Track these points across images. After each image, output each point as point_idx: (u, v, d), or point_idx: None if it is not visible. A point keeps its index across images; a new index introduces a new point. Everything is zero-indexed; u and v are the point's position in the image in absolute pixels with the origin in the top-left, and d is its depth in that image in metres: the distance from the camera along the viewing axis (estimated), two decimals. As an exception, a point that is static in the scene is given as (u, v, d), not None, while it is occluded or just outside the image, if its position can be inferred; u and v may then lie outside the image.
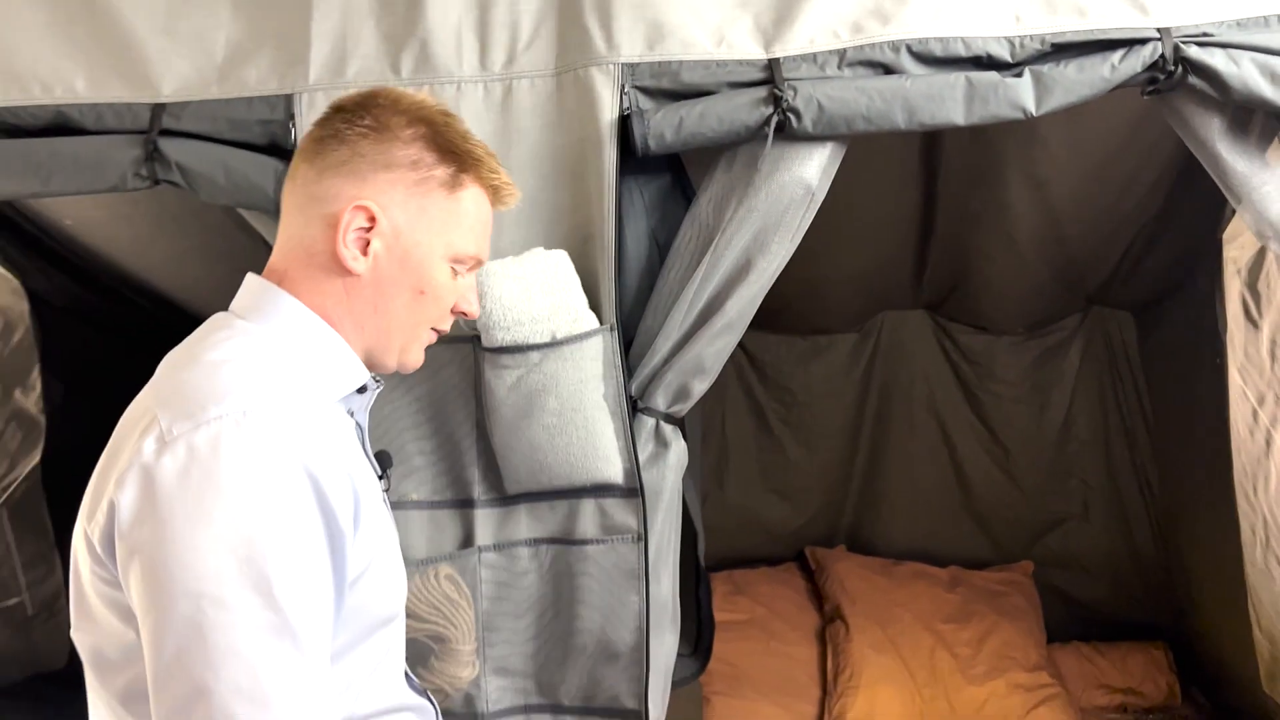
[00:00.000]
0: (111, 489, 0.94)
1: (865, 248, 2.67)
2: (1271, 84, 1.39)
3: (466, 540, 1.55)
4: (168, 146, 1.54)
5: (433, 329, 1.16)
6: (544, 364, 1.49)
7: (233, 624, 0.89)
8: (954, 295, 3.06)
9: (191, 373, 0.99)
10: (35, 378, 2.64)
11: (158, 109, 1.57)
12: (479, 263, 1.17)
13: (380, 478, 1.16)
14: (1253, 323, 2.27)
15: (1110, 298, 3.08)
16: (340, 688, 1.04)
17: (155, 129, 1.55)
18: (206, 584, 0.90)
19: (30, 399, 2.64)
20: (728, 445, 3.33)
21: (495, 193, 1.15)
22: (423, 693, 1.21)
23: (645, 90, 1.50)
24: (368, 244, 1.08)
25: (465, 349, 1.56)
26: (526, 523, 1.55)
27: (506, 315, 1.47)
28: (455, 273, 1.14)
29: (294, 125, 1.54)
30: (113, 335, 2.93)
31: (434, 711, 1.22)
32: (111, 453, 1.00)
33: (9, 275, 2.54)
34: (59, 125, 1.61)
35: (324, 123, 1.13)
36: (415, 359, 1.16)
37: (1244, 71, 1.40)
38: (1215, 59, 1.41)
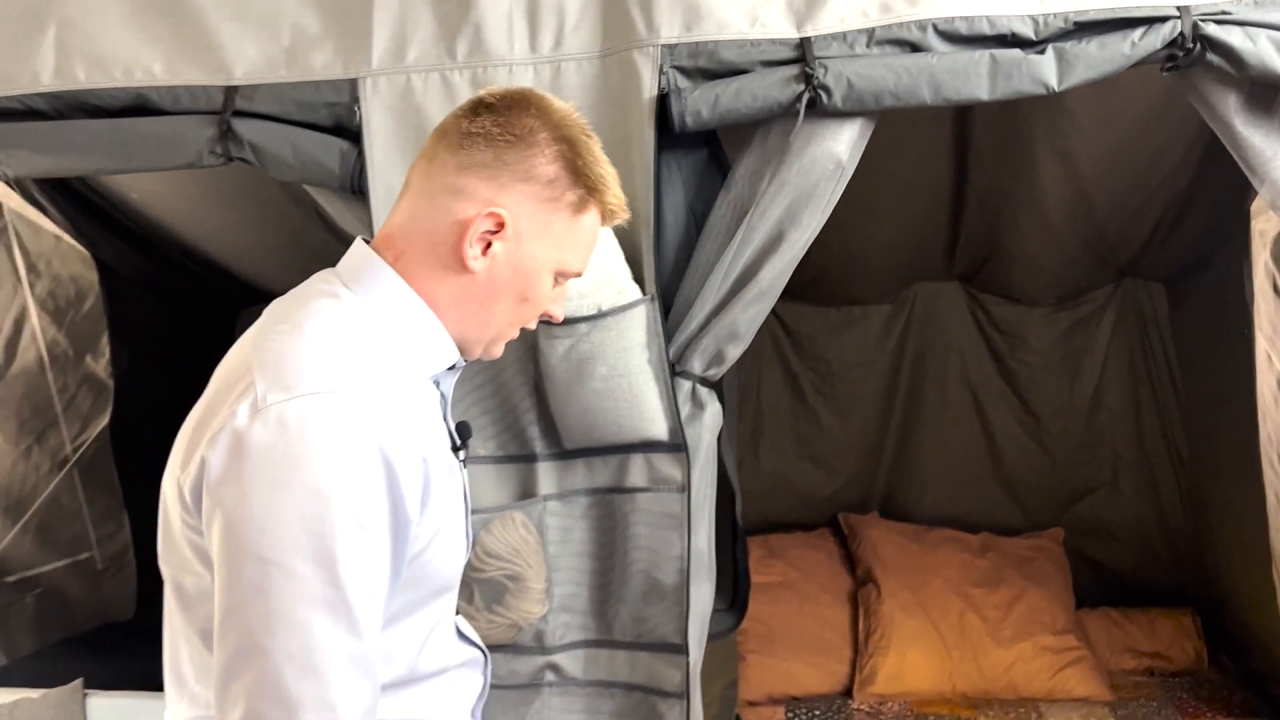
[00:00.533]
0: (205, 445, 1.00)
1: (899, 220, 2.74)
2: (1285, 60, 1.44)
3: (531, 491, 1.66)
4: (240, 126, 1.65)
5: (520, 329, 1.22)
6: (592, 334, 1.59)
7: (293, 593, 0.95)
8: (986, 267, 3.12)
9: (293, 341, 1.04)
10: (105, 344, 2.79)
11: (230, 91, 1.69)
12: (578, 275, 1.22)
13: (457, 449, 1.20)
14: (1278, 294, 2.31)
15: (1141, 269, 3.12)
16: (397, 651, 1.12)
17: (229, 110, 1.67)
18: (276, 552, 0.96)
19: (100, 364, 2.79)
20: (763, 413, 3.42)
21: (611, 216, 1.20)
22: (473, 642, 1.29)
23: (683, 70, 1.59)
24: (489, 245, 1.11)
25: (525, 320, 1.66)
26: (584, 474, 1.66)
27: None
28: (556, 283, 1.19)
29: (358, 108, 1.65)
30: (173, 302, 3.08)
31: (484, 660, 1.31)
32: (208, 407, 1.05)
33: (80, 246, 2.69)
34: (138, 106, 1.73)
35: (472, 116, 1.14)
36: (499, 352, 1.22)
37: (1260, 49, 1.46)
38: (1233, 36, 1.46)
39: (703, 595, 1.66)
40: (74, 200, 2.57)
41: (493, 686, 1.65)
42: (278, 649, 0.96)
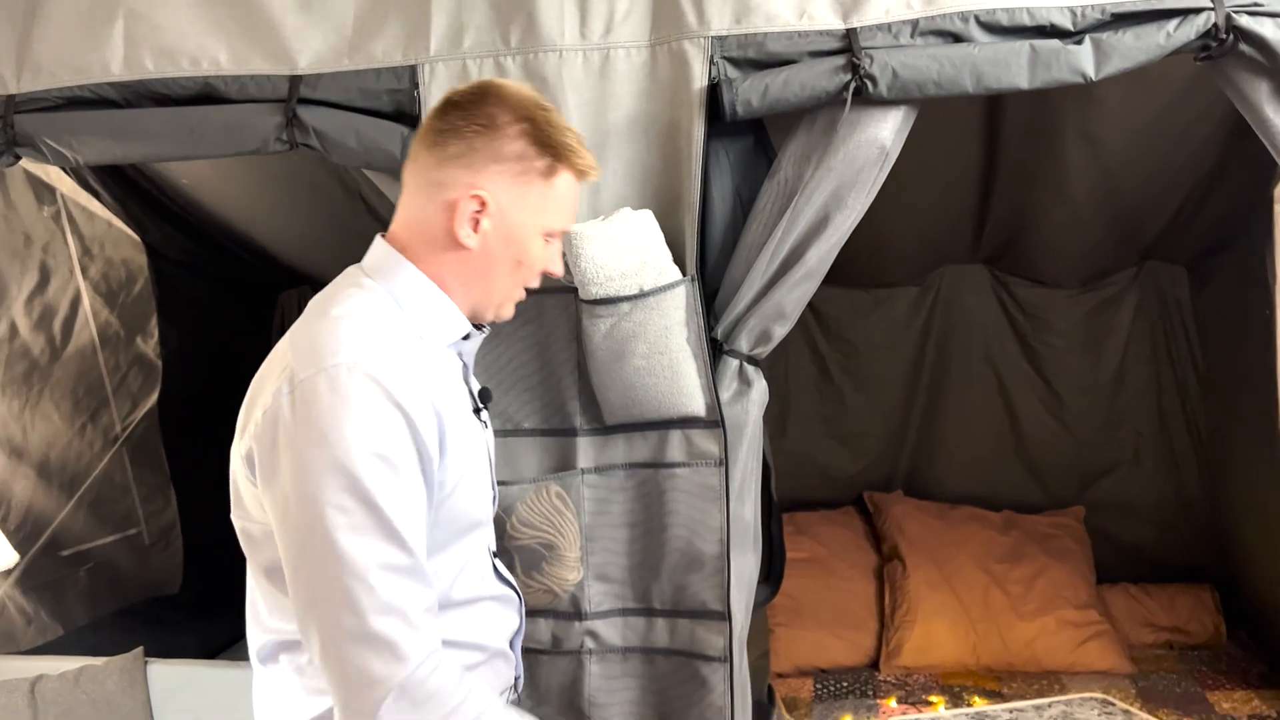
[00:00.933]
0: (257, 415, 1.18)
1: (928, 204, 2.79)
2: (1316, 51, 1.50)
3: (570, 463, 1.74)
4: (305, 114, 1.72)
5: (526, 288, 1.36)
6: (633, 313, 1.66)
7: (342, 525, 1.12)
8: (1012, 249, 3.18)
9: (321, 325, 1.22)
10: (153, 325, 2.88)
11: (295, 80, 1.76)
12: (565, 231, 1.36)
13: (478, 410, 1.36)
14: (1300, 274, 2.37)
15: (1164, 252, 3.17)
16: (435, 578, 1.25)
17: (294, 98, 1.74)
18: (321, 493, 1.12)
19: (149, 344, 2.88)
20: (790, 393, 3.49)
21: (582, 175, 1.32)
22: (508, 583, 1.42)
23: (732, 60, 1.65)
24: (478, 223, 1.26)
25: (567, 299, 1.74)
26: (623, 449, 1.73)
27: (599, 273, 1.64)
28: (547, 242, 1.32)
29: (418, 93, 1.72)
30: (217, 285, 3.17)
31: (518, 600, 1.44)
32: (256, 388, 1.23)
33: (130, 231, 2.76)
34: (206, 95, 1.80)
35: (441, 115, 1.28)
36: (509, 313, 1.36)
37: (1290, 39, 1.51)
38: (1265, 28, 1.52)
39: (748, 563, 1.74)
40: (125, 186, 2.65)
41: (535, 652, 1.74)
42: (340, 574, 1.12)
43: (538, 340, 1.76)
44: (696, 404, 1.68)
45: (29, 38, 1.86)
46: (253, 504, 1.23)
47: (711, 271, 1.73)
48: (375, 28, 1.76)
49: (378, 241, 1.32)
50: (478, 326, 1.36)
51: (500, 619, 1.38)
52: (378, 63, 1.75)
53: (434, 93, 1.73)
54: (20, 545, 2.54)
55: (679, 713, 1.70)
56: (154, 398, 2.92)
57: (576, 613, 1.73)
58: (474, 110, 1.26)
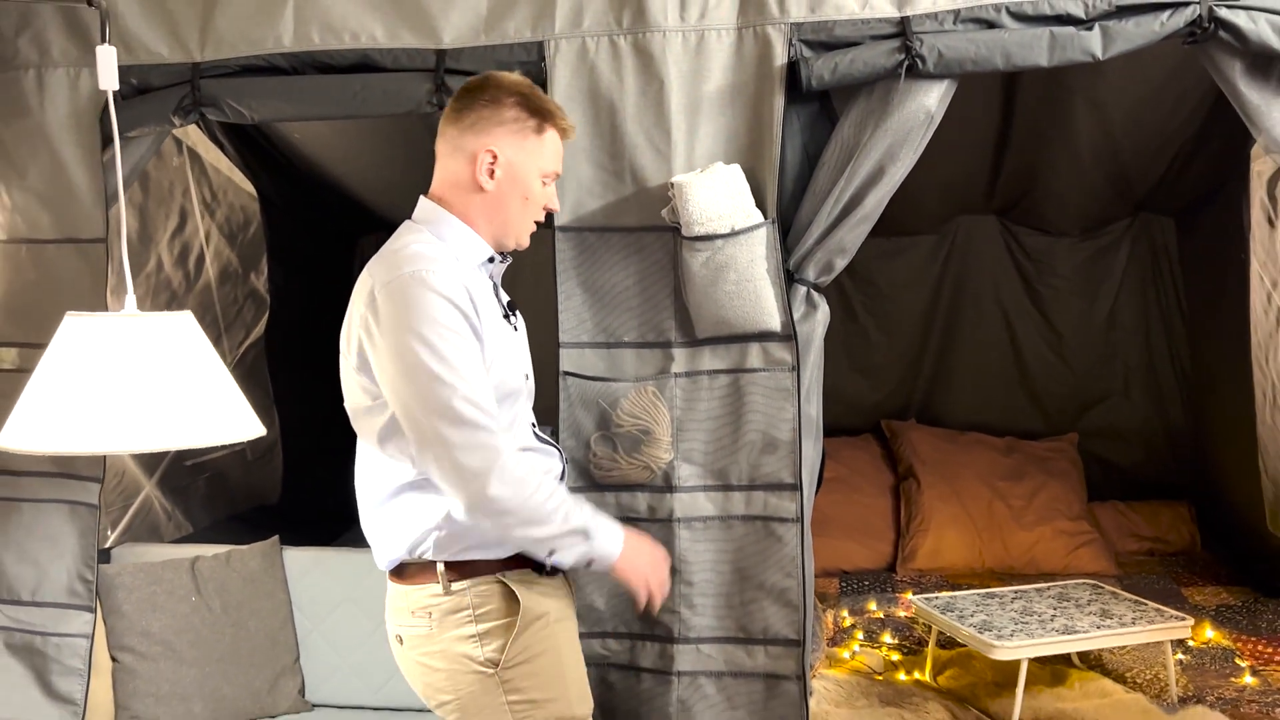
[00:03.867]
0: (356, 320, 1.61)
1: (949, 162, 3.14)
2: (1279, 37, 1.88)
3: (666, 369, 2.13)
4: (452, 82, 2.08)
5: (535, 220, 1.73)
6: (726, 248, 2.05)
7: (423, 374, 1.52)
8: (1021, 202, 3.56)
9: (392, 253, 1.63)
10: (264, 264, 3.25)
11: (440, 54, 2.12)
12: (557, 175, 1.74)
13: (507, 316, 1.73)
14: (1270, 223, 2.77)
15: (1155, 205, 3.57)
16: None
17: (441, 69, 2.10)
18: (407, 355, 1.52)
19: (260, 281, 3.26)
20: (819, 330, 3.88)
21: (564, 133, 1.71)
22: (551, 445, 1.79)
23: (807, 43, 2.02)
24: (493, 172, 1.65)
25: (666, 237, 2.12)
26: (709, 358, 2.12)
27: (701, 214, 2.02)
28: (544, 184, 1.70)
29: (545, 65, 2.08)
30: (313, 229, 3.53)
31: (559, 455, 1.80)
32: (353, 304, 1.64)
33: (247, 181, 3.13)
34: (363, 65, 2.16)
35: (459, 99, 1.68)
36: (526, 241, 1.74)
37: (1260, 28, 1.88)
38: (1239, 18, 1.89)
39: (811, 450, 2.14)
40: (246, 141, 3.01)
41: (633, 520, 2.12)
42: (428, 407, 1.53)
43: (638, 270, 2.14)
44: (774, 321, 2.07)
45: (211, 15, 2.21)
46: (359, 389, 1.63)
47: (784, 213, 2.11)
48: (507, 8, 2.12)
49: (421, 199, 1.73)
50: (503, 257, 1.75)
51: (549, 462, 1.76)
52: (510, 39, 2.11)
53: (558, 65, 2.09)
54: (157, 454, 2.93)
55: (756, 565, 2.10)
56: (262, 327, 3.30)
57: (668, 487, 2.13)
58: (481, 92, 1.66)
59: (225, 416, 1.60)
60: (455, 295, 1.55)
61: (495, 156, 1.64)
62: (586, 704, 1.73)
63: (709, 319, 2.10)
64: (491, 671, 1.62)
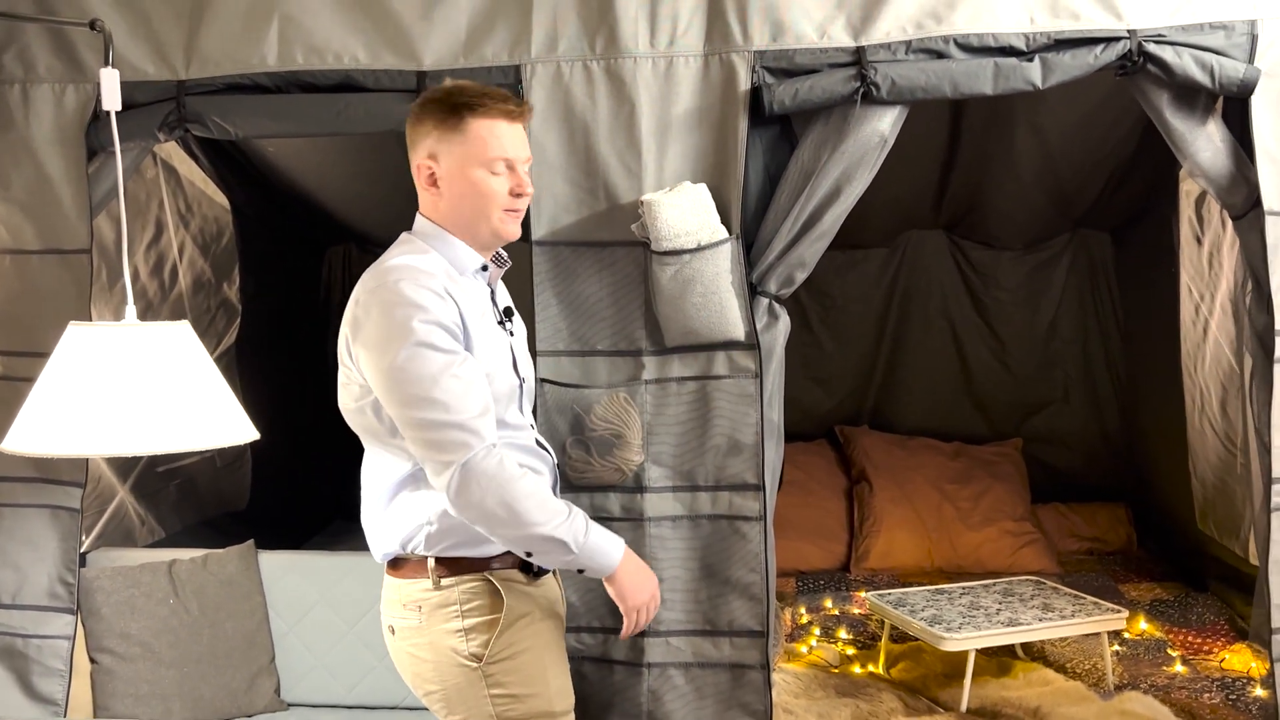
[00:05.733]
0: (346, 325, 1.69)
1: (900, 179, 3.30)
2: (1201, 71, 2.04)
3: (636, 376, 2.24)
4: (432, 102, 2.18)
5: (506, 209, 1.73)
6: (693, 262, 2.17)
7: (404, 369, 1.60)
8: (967, 218, 3.74)
9: (381, 265, 1.71)
10: (236, 273, 3.31)
11: (421, 75, 2.22)
12: (510, 161, 1.72)
13: (502, 322, 1.80)
14: (1198, 241, 2.96)
15: (1092, 221, 3.77)
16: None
17: (421, 90, 2.19)
18: (390, 356, 1.60)
19: (232, 290, 3.32)
20: (776, 340, 4.02)
21: (506, 115, 1.70)
22: (543, 448, 1.87)
23: (769, 70, 2.15)
24: (435, 180, 1.72)
25: (638, 251, 2.23)
26: (678, 366, 2.24)
27: (670, 230, 2.13)
28: (495, 173, 1.70)
29: (521, 87, 2.19)
30: (282, 240, 3.60)
31: (551, 460, 1.88)
32: (348, 314, 1.71)
33: (220, 193, 3.19)
34: (346, 84, 2.25)
35: (408, 121, 1.75)
36: (509, 230, 1.75)
37: (1184, 62, 2.05)
38: (1165, 53, 2.06)
39: (773, 454, 2.27)
40: (221, 155, 3.07)
41: (605, 520, 2.24)
42: (416, 393, 1.61)
43: (611, 282, 2.26)
44: (739, 331, 2.20)
45: (196, 34, 2.28)
46: (351, 390, 1.72)
47: (748, 229, 2.24)
48: (485, 33, 2.22)
49: (419, 216, 1.80)
50: (497, 263, 1.84)
51: (542, 465, 1.85)
52: (489, 62, 2.21)
53: (535, 87, 2.20)
54: (130, 461, 2.98)
55: (722, 561, 2.22)
56: (233, 336, 3.35)
57: (639, 488, 2.24)
58: (414, 109, 1.74)
59: (222, 421, 1.69)
60: (428, 303, 1.62)
61: (431, 165, 1.71)
62: (567, 700, 1.82)
63: (677, 329, 2.22)
64: (475, 665, 1.71)
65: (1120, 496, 3.94)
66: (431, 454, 1.62)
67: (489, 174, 1.70)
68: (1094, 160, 3.22)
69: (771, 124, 2.24)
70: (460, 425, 1.61)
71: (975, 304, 3.95)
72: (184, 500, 3.32)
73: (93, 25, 1.77)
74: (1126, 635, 3.03)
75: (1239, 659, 2.83)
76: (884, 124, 2.14)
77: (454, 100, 1.69)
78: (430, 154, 1.71)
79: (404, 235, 1.80)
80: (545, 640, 1.79)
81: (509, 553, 1.73)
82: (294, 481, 3.73)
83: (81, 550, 2.51)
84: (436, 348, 1.62)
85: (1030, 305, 3.92)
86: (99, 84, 2.25)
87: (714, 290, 2.18)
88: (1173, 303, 3.23)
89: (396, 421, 1.65)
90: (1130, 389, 3.89)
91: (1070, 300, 3.92)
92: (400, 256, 1.71)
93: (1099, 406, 3.97)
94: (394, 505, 1.76)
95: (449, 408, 1.60)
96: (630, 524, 2.24)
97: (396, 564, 1.78)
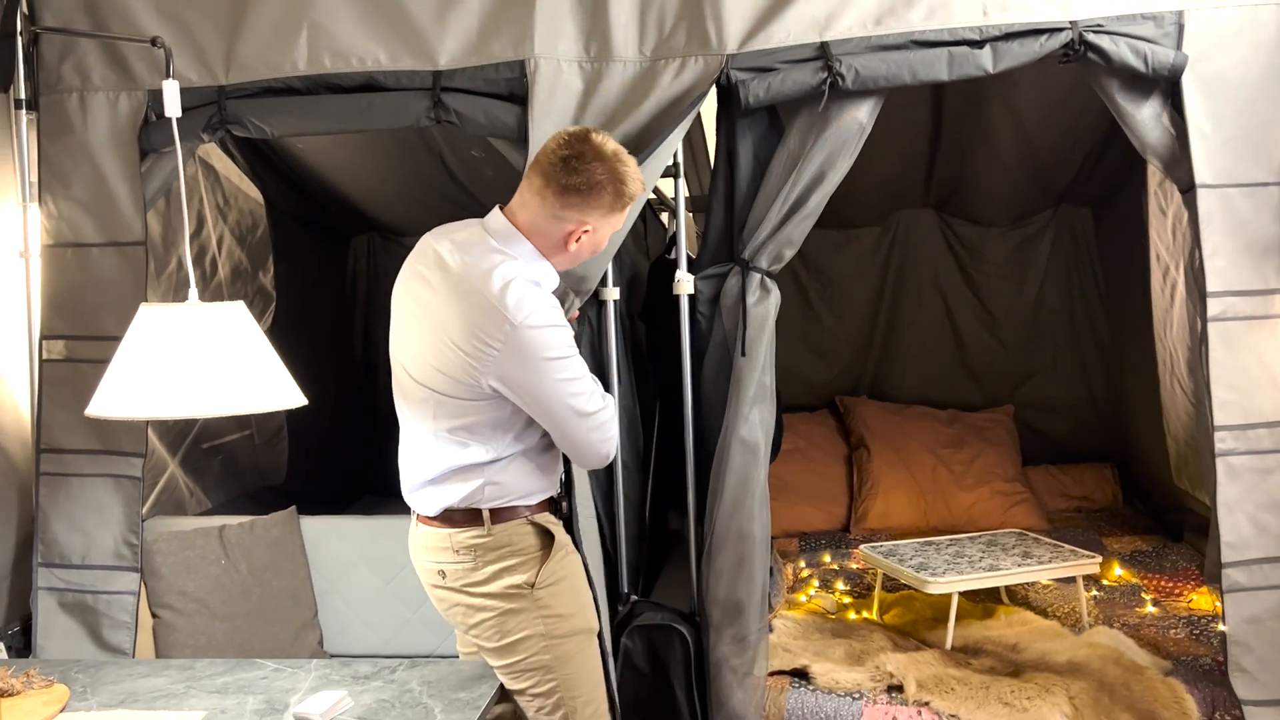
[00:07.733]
0: (490, 342, 1.90)
1: (889, 162, 3.53)
2: (1136, 57, 2.25)
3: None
4: (447, 99, 2.43)
5: None
6: None
7: (560, 390, 1.92)
8: (955, 197, 3.94)
9: (503, 288, 1.89)
10: (270, 262, 3.56)
11: (437, 74, 2.46)
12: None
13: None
14: (1163, 212, 3.16)
15: (1073, 197, 3.96)
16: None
17: (437, 87, 2.44)
18: (548, 376, 1.91)
19: (267, 278, 3.57)
20: (778, 316, 4.23)
21: (631, 199, 2.00)
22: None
23: (744, 68, 2.38)
24: (580, 240, 1.96)
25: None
26: None
27: None
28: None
29: (525, 80, 2.41)
30: (311, 230, 3.85)
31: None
32: (455, 309, 1.93)
33: (254, 187, 3.44)
34: (369, 85, 2.49)
35: (563, 169, 1.90)
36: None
37: (1120, 50, 2.26)
38: (1104, 41, 2.27)
39: (768, 413, 2.50)
40: (255, 153, 3.33)
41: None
42: (569, 410, 1.95)
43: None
44: None
45: (234, 43, 2.53)
46: (468, 383, 1.91)
47: (740, 212, 2.47)
48: (493, 33, 2.45)
49: (499, 215, 1.98)
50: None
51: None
52: (496, 59, 2.44)
53: (536, 82, 2.42)
54: (179, 437, 3.24)
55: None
56: (269, 321, 3.61)
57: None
58: (588, 174, 1.90)
59: (275, 387, 1.93)
60: (562, 319, 1.93)
61: (586, 232, 1.96)
62: (597, 620, 2.14)
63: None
64: (528, 591, 2.00)
65: (1107, 457, 4.13)
66: (595, 451, 2.00)
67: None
68: (1070, 139, 3.41)
69: (761, 116, 2.47)
70: (606, 410, 2.00)
71: (965, 278, 4.15)
72: (227, 475, 3.58)
73: (154, 42, 2.01)
74: (1105, 582, 3.24)
75: (1205, 600, 3.04)
76: (861, 113, 2.37)
77: (625, 190, 1.94)
78: (590, 221, 1.94)
79: (482, 235, 1.97)
80: (579, 569, 2.12)
81: (543, 500, 2.05)
82: (328, 457, 3.99)
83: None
84: (578, 361, 1.96)
85: (1017, 278, 4.12)
86: (149, 91, 2.55)
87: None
88: (1146, 272, 3.41)
89: (552, 429, 1.97)
90: (1113, 355, 4.08)
91: (1055, 273, 4.11)
92: (516, 280, 1.89)
93: (1085, 373, 4.16)
94: (445, 481, 2.00)
95: (596, 404, 1.99)
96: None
97: (448, 517, 2.02)
